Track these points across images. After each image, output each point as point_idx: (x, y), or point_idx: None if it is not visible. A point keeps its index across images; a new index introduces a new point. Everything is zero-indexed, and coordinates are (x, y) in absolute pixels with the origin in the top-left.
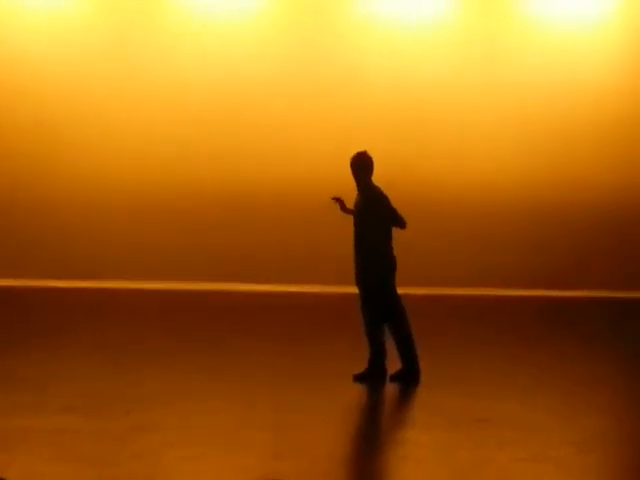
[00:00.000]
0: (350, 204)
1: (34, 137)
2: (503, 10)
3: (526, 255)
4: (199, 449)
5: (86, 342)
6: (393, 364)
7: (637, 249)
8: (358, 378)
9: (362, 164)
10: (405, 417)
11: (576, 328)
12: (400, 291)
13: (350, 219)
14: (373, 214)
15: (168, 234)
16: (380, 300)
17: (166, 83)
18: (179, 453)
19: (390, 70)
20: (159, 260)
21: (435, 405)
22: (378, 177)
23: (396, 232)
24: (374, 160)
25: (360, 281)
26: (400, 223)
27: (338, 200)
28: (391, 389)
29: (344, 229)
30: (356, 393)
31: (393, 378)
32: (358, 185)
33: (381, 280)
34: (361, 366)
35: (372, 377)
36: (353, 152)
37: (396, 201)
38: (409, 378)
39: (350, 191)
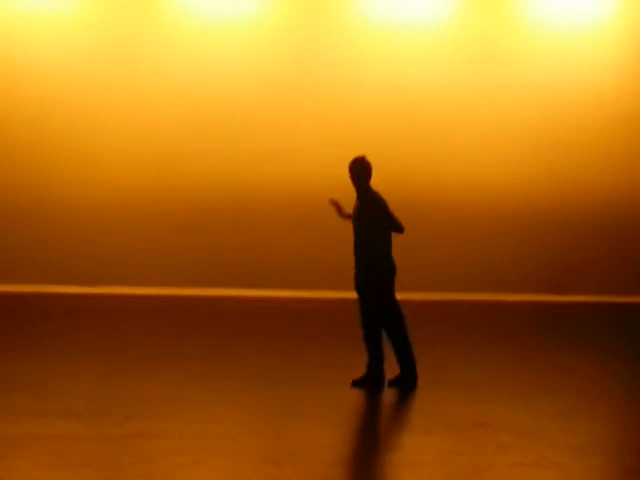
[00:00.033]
0: (349, 209)
1: (30, 141)
2: (503, 12)
3: (525, 260)
4: (198, 456)
5: (85, 347)
6: (391, 369)
7: (636, 254)
8: (357, 383)
9: (361, 169)
10: (403, 422)
11: (575, 333)
12: (398, 296)
13: (348, 224)
14: (372, 219)
15: (165, 239)
16: (379, 305)
17: (163, 87)
18: (178, 460)
19: (389, 74)
20: (157, 265)
21: (433, 410)
22: (377, 182)
23: (394, 237)
24: (373, 165)
25: (360, 286)
26: (397, 228)
27: (335, 204)
28: (389, 394)
29: (342, 234)
30: (354, 398)
31: (391, 383)
32: (357, 190)
33: (381, 285)
34: (359, 371)
35: (370, 382)
36: (351, 157)
37: (394, 206)
38: (407, 383)
39: (349, 196)
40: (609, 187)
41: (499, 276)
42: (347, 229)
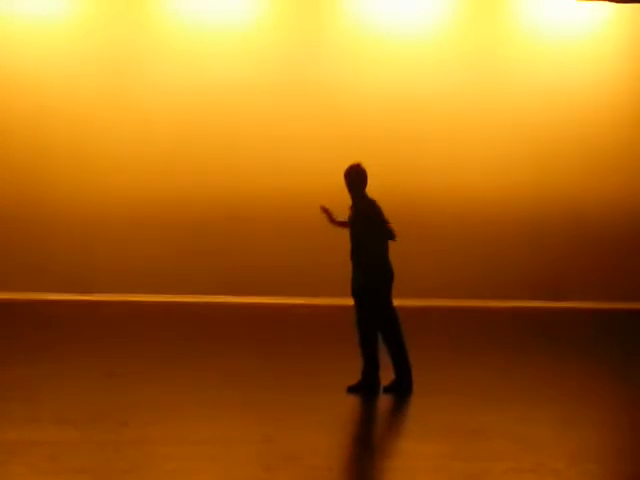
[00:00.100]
0: (341, 216)
1: (25, 147)
2: (498, 18)
3: (521, 266)
4: (193, 462)
5: (81, 354)
6: (386, 375)
7: (633, 261)
8: (352, 389)
9: (356, 176)
10: (399, 428)
11: (571, 339)
12: (394, 302)
13: (341, 231)
14: (368, 226)
15: (160, 247)
16: (376, 311)
17: (160, 93)
18: (173, 465)
19: (385, 81)
20: (153, 272)
21: (429, 416)
22: (372, 189)
23: (390, 243)
24: (368, 171)
25: (356, 291)
26: (389, 235)
27: (326, 211)
28: (385, 400)
29: (336, 241)
30: (349, 404)
31: (387, 389)
32: (352, 197)
33: (377, 291)
34: (355, 377)
35: (366, 389)
36: (346, 164)
37: (390, 213)
38: (402, 389)
39: (344, 202)
40: (605, 193)
41: (495, 282)
42: (342, 236)
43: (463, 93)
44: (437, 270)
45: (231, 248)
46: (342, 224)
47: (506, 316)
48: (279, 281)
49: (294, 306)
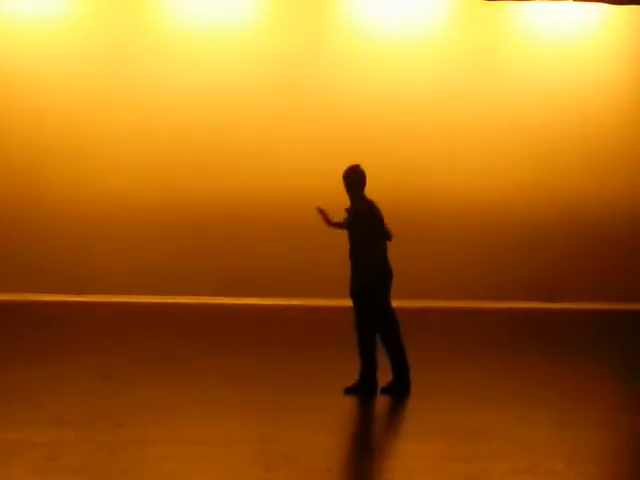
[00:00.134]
0: (338, 217)
1: (22, 148)
2: (496, 20)
3: (518, 267)
4: (191, 462)
5: (78, 355)
6: (384, 376)
7: (632, 262)
8: (349, 390)
9: (355, 178)
10: (397, 429)
11: (569, 340)
12: (392, 303)
13: (340, 232)
14: (366, 227)
15: (158, 248)
16: (374, 312)
17: (157, 94)
18: (171, 466)
19: (384, 83)
20: (151, 273)
21: (427, 417)
22: (370, 190)
23: (389, 244)
24: (367, 173)
25: (355, 292)
26: (386, 235)
27: (322, 212)
28: (382, 401)
29: (335, 242)
30: (347, 405)
31: (384, 390)
32: (351, 198)
33: (376, 292)
34: (352, 378)
35: (363, 389)
36: (345, 165)
37: (389, 214)
38: (400, 390)
39: (343, 204)
40: (604, 194)
41: (494, 283)
42: (341, 237)
43: (462, 94)
44: (436, 271)
45: (230, 248)
46: (337, 225)
47: (504, 317)
48: (278, 282)
49: (291, 307)
